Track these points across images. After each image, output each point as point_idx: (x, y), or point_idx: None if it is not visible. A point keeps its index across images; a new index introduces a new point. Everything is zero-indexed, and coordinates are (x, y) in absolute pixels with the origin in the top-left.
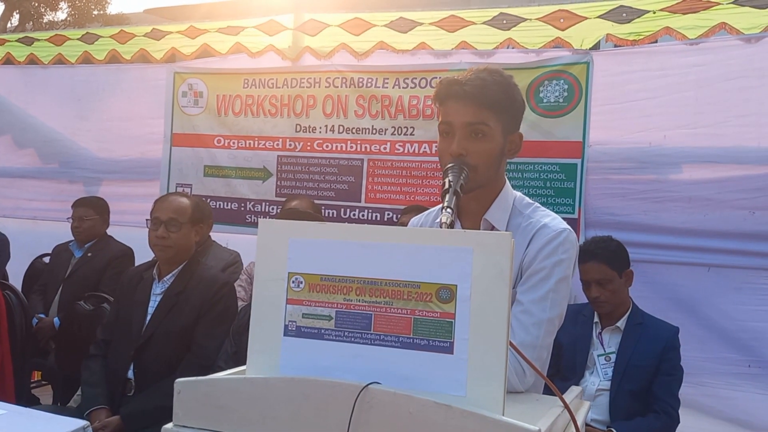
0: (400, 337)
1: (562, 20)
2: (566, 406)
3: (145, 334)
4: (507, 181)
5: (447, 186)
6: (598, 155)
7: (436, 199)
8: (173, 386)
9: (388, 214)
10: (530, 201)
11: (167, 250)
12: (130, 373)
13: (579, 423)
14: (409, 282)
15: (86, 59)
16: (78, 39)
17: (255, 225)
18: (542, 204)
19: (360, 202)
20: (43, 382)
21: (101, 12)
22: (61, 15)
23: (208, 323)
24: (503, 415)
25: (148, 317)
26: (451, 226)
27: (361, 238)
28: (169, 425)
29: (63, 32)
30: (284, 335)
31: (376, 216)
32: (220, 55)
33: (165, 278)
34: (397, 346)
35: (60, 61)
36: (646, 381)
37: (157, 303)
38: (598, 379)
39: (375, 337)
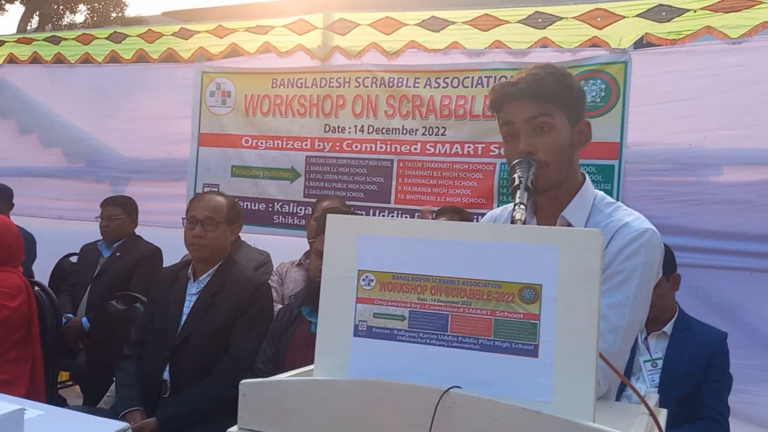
0: (479, 339)
1: (599, 19)
2: (652, 415)
3: (181, 334)
4: (587, 179)
5: (517, 182)
6: (635, 156)
7: (468, 200)
8: (210, 388)
9: (418, 216)
10: (612, 200)
11: (203, 250)
12: (166, 375)
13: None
14: (489, 281)
15: (113, 58)
16: (105, 38)
17: (282, 226)
18: None
19: (389, 203)
20: (69, 383)
21: (119, 14)
22: (79, 17)
23: (245, 324)
24: (594, 422)
25: (184, 318)
26: (525, 223)
27: (436, 234)
28: (234, 428)
29: (90, 31)
30: (354, 336)
31: (407, 218)
32: (249, 54)
33: (200, 278)
34: (477, 349)
35: (87, 60)
36: (693, 387)
37: (192, 303)
38: (644, 385)
39: (452, 338)
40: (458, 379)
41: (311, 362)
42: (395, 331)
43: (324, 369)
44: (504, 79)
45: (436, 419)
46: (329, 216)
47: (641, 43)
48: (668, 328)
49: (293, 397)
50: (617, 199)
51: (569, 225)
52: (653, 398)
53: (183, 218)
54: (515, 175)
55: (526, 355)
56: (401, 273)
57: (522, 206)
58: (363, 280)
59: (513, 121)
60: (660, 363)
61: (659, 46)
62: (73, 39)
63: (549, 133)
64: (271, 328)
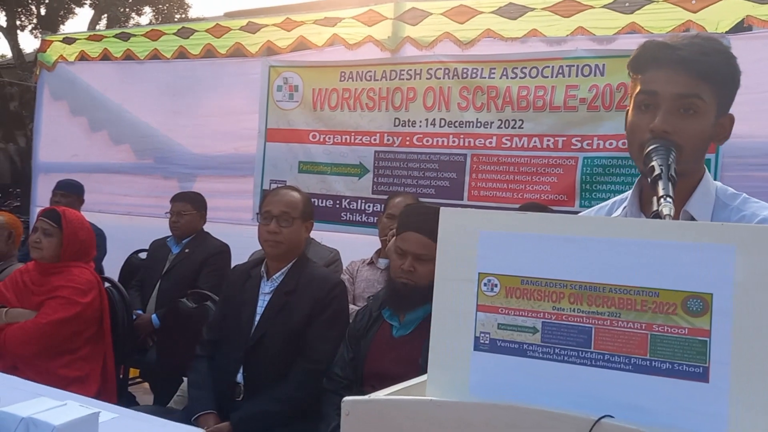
0: (631, 357)
1: (693, 1)
2: None
3: (255, 335)
4: (707, 169)
5: (657, 171)
6: (735, 150)
7: (548, 197)
8: (285, 392)
9: None
10: (735, 191)
11: (278, 246)
12: (239, 377)
13: None
14: (643, 288)
15: (181, 54)
16: (174, 34)
17: (350, 223)
18: None
19: (462, 199)
20: (138, 380)
21: (183, 15)
22: (144, 19)
23: (321, 326)
24: None
25: (257, 317)
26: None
27: (574, 231)
28: None
29: (159, 27)
30: (474, 349)
31: None
32: (317, 47)
33: (274, 276)
34: (628, 370)
35: (156, 56)
36: None
37: (266, 303)
38: None
39: (596, 356)
40: (606, 405)
41: (393, 368)
42: (525, 346)
43: (439, 386)
44: (588, 68)
45: None
46: (443, 210)
47: (741, 27)
48: None
49: (405, 419)
50: None
51: (692, 220)
52: None
53: (257, 213)
54: (654, 163)
55: (693, 379)
56: (532, 277)
57: (669, 199)
58: (485, 284)
59: (658, 92)
60: None
61: (762, 29)
62: (141, 35)
63: (694, 118)
64: (349, 331)
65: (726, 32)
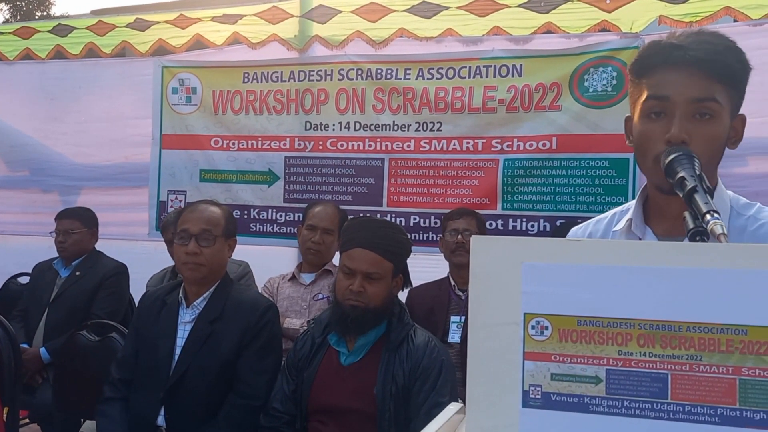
0: (718, 408)
1: (608, 1)
2: None
3: (176, 371)
4: (719, 178)
5: (691, 183)
6: None
7: (469, 201)
8: None
9: (415, 219)
10: (748, 200)
11: (200, 269)
12: (161, 420)
13: None
14: (728, 326)
15: (59, 54)
16: (48, 32)
17: (261, 234)
18: (590, 204)
19: (382, 206)
20: (25, 421)
21: (45, 13)
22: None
23: (254, 355)
24: None
25: (178, 351)
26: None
27: (640, 260)
28: None
29: (31, 24)
30: (524, 406)
31: (401, 221)
32: (216, 46)
33: (195, 303)
34: (715, 422)
35: (28, 56)
36: None
37: (187, 334)
38: None
39: (675, 408)
40: None
41: (344, 401)
42: (586, 399)
43: None
44: (505, 69)
45: None
46: (474, 239)
47: (655, 27)
48: None
49: None
50: (633, 195)
51: None
52: None
53: (174, 233)
54: (683, 174)
55: None
56: (591, 317)
57: (717, 215)
58: (533, 327)
59: (670, 97)
60: None
61: (675, 29)
62: (10, 33)
63: (711, 123)
64: (288, 360)
65: (640, 32)
